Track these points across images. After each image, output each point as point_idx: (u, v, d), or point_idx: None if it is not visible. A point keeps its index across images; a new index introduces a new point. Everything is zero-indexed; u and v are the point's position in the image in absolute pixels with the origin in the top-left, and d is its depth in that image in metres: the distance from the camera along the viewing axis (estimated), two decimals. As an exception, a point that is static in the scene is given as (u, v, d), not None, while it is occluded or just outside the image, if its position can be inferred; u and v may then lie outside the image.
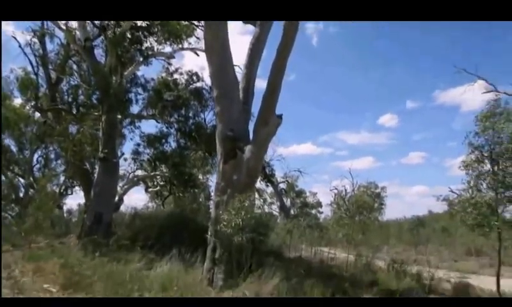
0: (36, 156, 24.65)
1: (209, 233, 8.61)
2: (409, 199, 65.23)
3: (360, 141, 70.77)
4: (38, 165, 25.45)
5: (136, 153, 16.37)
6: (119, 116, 14.70)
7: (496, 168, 7.08)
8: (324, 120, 76.03)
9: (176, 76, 16.74)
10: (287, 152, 69.92)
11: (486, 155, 7.18)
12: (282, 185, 39.93)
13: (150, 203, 26.42)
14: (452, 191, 8.41)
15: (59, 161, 25.65)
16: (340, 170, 77.43)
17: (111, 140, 13.14)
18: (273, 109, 8.35)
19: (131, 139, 16.32)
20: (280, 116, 8.40)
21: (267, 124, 8.27)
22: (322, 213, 33.91)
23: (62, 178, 29.23)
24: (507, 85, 22.73)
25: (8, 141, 22.83)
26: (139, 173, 17.07)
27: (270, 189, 39.48)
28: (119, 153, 14.41)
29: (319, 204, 38.80)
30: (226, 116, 8.98)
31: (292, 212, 34.99)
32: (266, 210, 13.78)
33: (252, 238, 7.27)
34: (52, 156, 25.53)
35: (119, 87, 13.06)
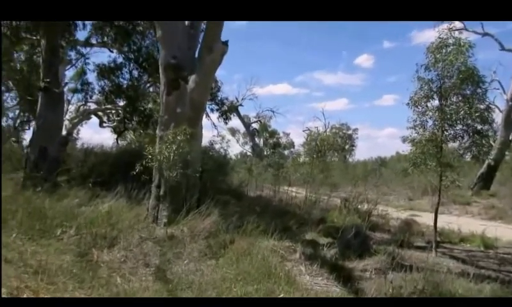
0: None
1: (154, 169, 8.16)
2: (380, 141, 66.77)
3: (336, 82, 70.18)
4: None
5: (85, 83, 15.18)
6: (64, 43, 13.39)
7: (444, 104, 6.75)
8: (300, 59, 74.25)
9: None
10: (263, 92, 68.35)
11: (435, 90, 6.80)
12: (255, 125, 39.87)
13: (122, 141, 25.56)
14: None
15: (11, 93, 24.01)
16: (315, 111, 77.35)
17: (52, 68, 11.96)
18: (218, 34, 7.55)
19: (75, 67, 14.99)
20: (226, 43, 7.63)
21: (211, 51, 7.51)
22: (300, 154, 34.15)
23: (17, 112, 27.76)
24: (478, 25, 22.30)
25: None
26: (92, 106, 16.02)
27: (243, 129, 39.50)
28: (64, 83, 13.22)
29: (292, 144, 39.21)
30: (168, 42, 8.12)
31: (265, 152, 35.09)
32: (226, 148, 13.24)
33: (187, 174, 6.85)
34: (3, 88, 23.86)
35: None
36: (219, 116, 16.31)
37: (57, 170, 11.43)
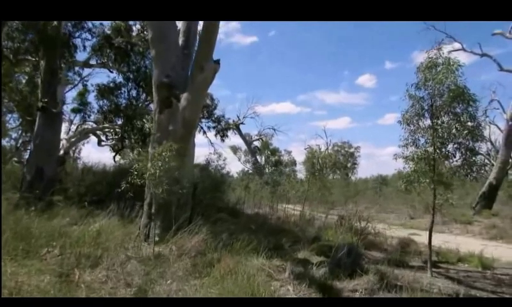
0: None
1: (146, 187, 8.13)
2: (383, 159, 66.56)
3: (338, 101, 70.67)
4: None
5: (83, 103, 15.31)
6: (63, 65, 13.58)
7: (435, 122, 6.70)
8: (303, 79, 75.17)
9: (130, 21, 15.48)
10: (266, 110, 69.29)
11: (426, 108, 6.77)
12: (257, 143, 39.94)
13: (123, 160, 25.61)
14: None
15: (14, 114, 24.24)
16: (318, 129, 77.68)
17: (51, 88, 12.10)
18: (210, 53, 7.62)
19: (77, 88, 15.16)
20: (218, 61, 7.71)
21: (203, 70, 7.57)
22: (296, 171, 34.02)
23: (19, 132, 27.94)
24: (475, 44, 22.47)
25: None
26: (90, 125, 16.11)
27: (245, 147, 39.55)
28: (62, 103, 13.30)
29: (294, 162, 39.14)
30: (161, 61, 8.20)
31: (266, 170, 35.02)
32: (225, 167, 13.21)
33: (178, 192, 6.81)
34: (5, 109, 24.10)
35: (56, 29, 11.86)
36: (216, 134, 16.36)
37: (53, 189, 11.42)
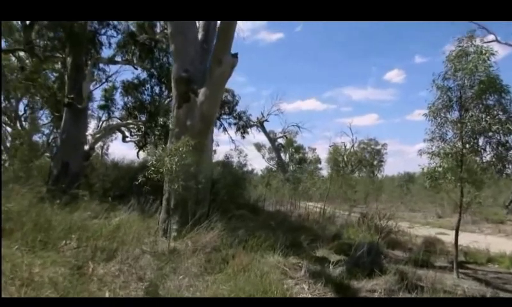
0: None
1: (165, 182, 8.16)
2: (412, 156, 64.69)
3: (365, 97, 69.15)
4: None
5: (108, 99, 15.62)
6: (89, 61, 13.88)
7: (465, 115, 6.32)
8: (329, 75, 73.98)
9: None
10: (291, 108, 68.27)
11: (455, 100, 6.40)
12: (281, 140, 39.72)
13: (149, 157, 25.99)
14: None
15: (46, 111, 25.08)
16: (344, 127, 76.34)
17: (76, 84, 12.41)
18: (228, 46, 7.51)
19: (99, 83, 15.47)
20: (236, 55, 7.59)
21: (220, 64, 7.47)
22: (321, 168, 33.62)
23: (51, 128, 28.95)
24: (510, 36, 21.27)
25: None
26: (115, 121, 16.44)
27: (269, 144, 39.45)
28: (87, 99, 13.59)
29: (318, 160, 38.66)
30: (181, 56, 8.19)
31: (290, 167, 34.77)
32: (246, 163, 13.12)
33: (195, 187, 6.79)
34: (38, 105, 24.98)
35: (82, 26, 12.13)
36: (237, 130, 16.27)
37: (78, 183, 11.70)
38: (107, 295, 3.89)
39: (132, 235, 6.48)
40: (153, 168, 5.99)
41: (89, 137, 14.65)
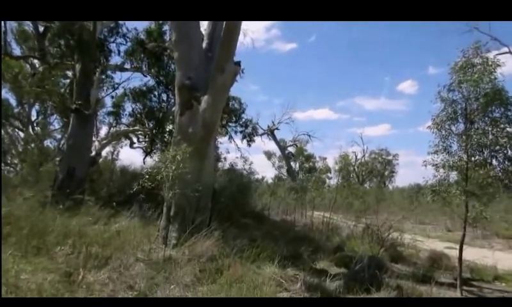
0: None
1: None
2: (424, 167, 63.62)
3: (377, 107, 68.74)
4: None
5: (116, 106, 15.74)
6: (98, 68, 14.02)
7: (470, 127, 6.15)
8: (342, 85, 73.90)
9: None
10: (303, 117, 67.97)
11: (460, 112, 6.23)
12: (291, 149, 39.52)
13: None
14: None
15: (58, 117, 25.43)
16: (355, 136, 75.93)
17: (84, 90, 12.52)
18: (231, 54, 7.49)
19: (105, 89, 15.61)
20: (238, 63, 7.57)
21: (223, 72, 7.45)
22: (331, 178, 33.22)
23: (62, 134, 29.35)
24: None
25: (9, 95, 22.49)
26: (122, 127, 16.53)
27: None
28: (95, 105, 13.69)
29: (328, 169, 38.26)
30: (184, 63, 8.19)
31: (300, 176, 34.50)
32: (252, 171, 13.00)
33: (196, 195, 6.73)
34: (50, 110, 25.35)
35: (91, 34, 12.27)
36: (243, 138, 16.19)
37: (82, 189, 11.74)
38: (93, 304, 3.82)
39: (130, 242, 6.45)
40: (147, 176, 5.95)
41: (96, 143, 14.74)
